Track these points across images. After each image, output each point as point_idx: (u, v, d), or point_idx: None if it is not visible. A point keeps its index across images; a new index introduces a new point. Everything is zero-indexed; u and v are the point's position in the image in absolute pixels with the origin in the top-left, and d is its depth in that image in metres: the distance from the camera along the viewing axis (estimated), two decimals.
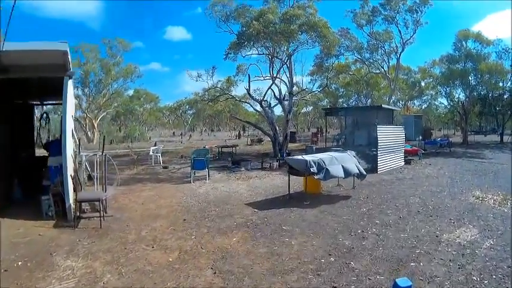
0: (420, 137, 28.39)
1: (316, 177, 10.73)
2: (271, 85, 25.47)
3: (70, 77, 9.21)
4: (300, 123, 78.84)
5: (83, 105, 46.85)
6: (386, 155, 18.11)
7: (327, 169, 10.79)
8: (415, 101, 57.69)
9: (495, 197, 11.99)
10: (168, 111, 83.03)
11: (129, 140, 48.15)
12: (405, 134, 32.20)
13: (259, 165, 19.52)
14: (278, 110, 53.89)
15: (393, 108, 31.44)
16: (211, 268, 5.86)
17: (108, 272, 5.68)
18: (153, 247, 6.90)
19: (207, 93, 30.87)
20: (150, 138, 57.10)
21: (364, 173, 12.21)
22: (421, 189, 13.39)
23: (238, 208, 10.17)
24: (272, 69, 25.37)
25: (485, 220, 8.95)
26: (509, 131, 40.37)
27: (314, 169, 10.61)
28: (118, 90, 51.14)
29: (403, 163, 19.82)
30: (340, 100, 50.13)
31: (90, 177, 11.85)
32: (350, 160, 12.04)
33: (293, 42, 23.30)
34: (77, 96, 42.49)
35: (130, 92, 56.05)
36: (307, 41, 23.76)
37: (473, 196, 12.23)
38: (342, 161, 11.51)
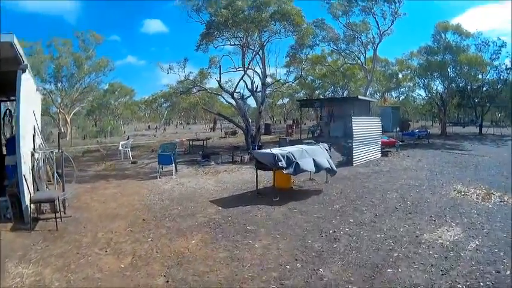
0: (397, 129, 27.53)
1: (285, 171, 10.06)
2: (243, 76, 24.34)
3: (23, 70, 8.49)
4: (277, 115, 77.98)
5: (57, 100, 45.78)
6: (362, 147, 17.31)
7: (296, 163, 10.11)
8: (393, 93, 57.44)
9: (478, 191, 11.12)
10: (143, 104, 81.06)
11: (102, 134, 46.52)
12: (382, 126, 31.65)
13: (230, 159, 18.90)
14: (254, 102, 52.88)
15: (370, 99, 30.71)
16: (164, 276, 5.35)
17: (57, 279, 5.23)
18: (106, 251, 6.40)
19: (181, 85, 29.30)
20: (124, 132, 55.65)
21: (335, 169, 11.62)
22: (399, 183, 12.63)
23: (202, 206, 9.56)
24: (244, 59, 24.04)
25: (469, 217, 8.24)
26: (487, 122, 39.91)
27: (283, 163, 9.92)
28: (91, 84, 49.61)
29: (380, 155, 19.08)
30: (317, 92, 49.28)
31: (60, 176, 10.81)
32: (322, 154, 11.37)
33: (265, 32, 22.41)
34: (50, 91, 43.20)
35: (105, 86, 56.22)
36: (280, 30, 22.88)
37: (455, 190, 11.36)
38: (313, 155, 10.86)
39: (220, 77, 24.77)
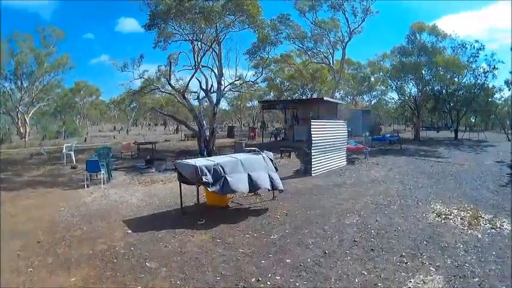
0: (367, 133, 25.01)
1: (210, 189, 8.21)
2: (194, 74, 22.51)
3: None
4: (245, 118, 75.42)
5: (16, 98, 43.31)
6: (323, 155, 14.99)
7: (225, 179, 8.24)
8: (365, 96, 55.62)
9: (462, 213, 8.72)
10: (112, 104, 77.86)
11: (62, 135, 43.79)
12: (351, 130, 29.26)
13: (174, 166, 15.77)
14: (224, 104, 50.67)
15: (337, 101, 28.21)
16: None
17: None
18: None
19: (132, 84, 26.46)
20: (87, 133, 51.99)
21: (280, 186, 9.52)
22: (363, 201, 10.10)
23: (112, 227, 7.99)
24: (196, 56, 22.33)
25: (454, 256, 6.09)
26: (462, 127, 38.10)
27: (208, 178, 8.09)
28: (51, 82, 47.36)
29: (346, 163, 16.85)
30: (286, 94, 46.72)
31: None
32: (262, 166, 9.35)
33: (217, 24, 19.92)
34: (11, 89, 41.86)
35: (71, 85, 54.83)
36: (234, 23, 20.46)
37: (433, 212, 8.91)
38: (249, 168, 8.90)
39: (170, 75, 22.89)
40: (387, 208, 9.25)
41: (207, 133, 22.25)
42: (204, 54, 22.64)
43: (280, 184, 9.38)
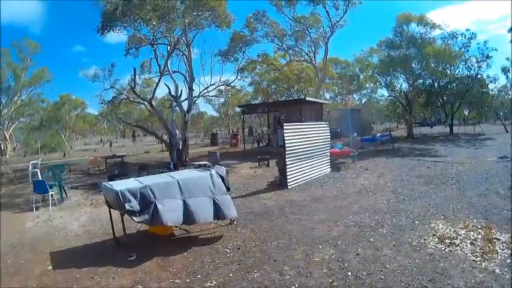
0: (355, 134, 22.83)
1: (137, 219, 6.62)
2: (159, 80, 20.93)
3: None
4: (234, 124, 73.17)
5: None
6: (301, 163, 12.88)
7: (156, 206, 6.65)
8: (355, 95, 53.59)
9: (471, 234, 6.66)
10: (100, 116, 76.02)
11: (43, 151, 40.84)
12: (340, 131, 27.23)
13: None
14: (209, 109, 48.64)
15: (321, 101, 26.07)
16: None
17: None
18: None
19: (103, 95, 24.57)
20: (71, 147, 50.57)
21: (231, 214, 7.75)
22: (343, 223, 7.94)
23: (36, 261, 6.74)
24: (158, 60, 20.43)
25: None
26: (456, 121, 36.07)
27: (133, 205, 6.55)
28: (30, 96, 46.06)
29: (329, 170, 14.69)
30: (274, 97, 44.48)
31: None
32: (205, 189, 7.52)
33: (177, 23, 17.89)
34: None
35: (56, 98, 53.97)
36: (198, 21, 18.43)
37: (434, 234, 6.81)
38: (188, 192, 7.21)
39: (134, 81, 20.85)
40: (374, 232, 7.07)
41: (180, 143, 20.42)
42: (168, 57, 20.74)
43: (230, 211, 7.59)
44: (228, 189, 7.98)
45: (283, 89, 42.37)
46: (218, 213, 7.27)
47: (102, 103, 25.39)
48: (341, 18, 27.82)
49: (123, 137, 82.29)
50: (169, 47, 20.22)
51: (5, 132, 42.48)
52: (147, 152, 30.54)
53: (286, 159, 12.14)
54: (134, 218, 6.51)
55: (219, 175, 7.88)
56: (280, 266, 5.76)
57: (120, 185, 6.73)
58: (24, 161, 26.29)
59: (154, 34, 18.66)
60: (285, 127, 12.32)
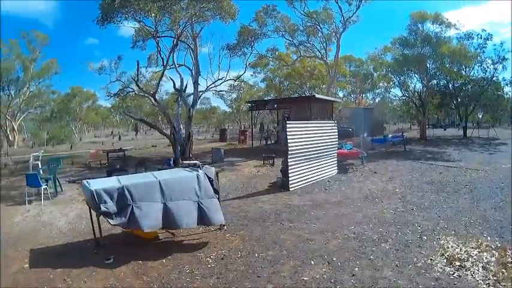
0: (365, 134, 21.99)
1: (113, 222, 6.08)
2: (163, 73, 20.11)
3: None
4: (247, 120, 72.48)
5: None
6: (304, 164, 12.17)
7: (133, 208, 6.14)
8: (368, 94, 52.47)
9: (484, 255, 5.93)
10: (113, 109, 76.41)
11: (51, 142, 40.54)
12: (352, 130, 26.41)
13: None
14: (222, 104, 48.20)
15: (332, 99, 25.13)
16: None
17: None
18: None
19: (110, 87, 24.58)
20: (80, 139, 50.44)
21: (218, 219, 7.07)
22: (342, 234, 7.23)
23: (15, 258, 6.44)
24: (160, 52, 19.64)
25: None
26: (470, 124, 34.91)
27: (109, 206, 6.06)
28: (39, 88, 46.08)
29: (336, 171, 14.00)
30: (286, 93, 43.66)
31: None
32: (190, 192, 6.87)
33: (180, 15, 17.11)
34: None
35: (66, 90, 53.96)
36: (202, 13, 17.76)
37: (443, 254, 6.06)
38: (170, 194, 6.62)
39: (138, 74, 19.89)
40: (375, 248, 6.36)
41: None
42: (172, 50, 20.18)
43: (216, 217, 6.91)
44: (216, 192, 7.30)
45: (295, 86, 41.51)
46: (203, 218, 6.67)
47: (108, 96, 25.34)
48: (353, 13, 26.89)
49: (135, 130, 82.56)
50: (174, 39, 19.63)
51: (13, 123, 42.43)
52: (154, 146, 30.08)
53: (289, 160, 11.46)
54: (110, 220, 6.01)
55: (207, 177, 7.23)
56: (263, 284, 5.13)
57: (97, 184, 6.28)
58: (31, 152, 26.08)
59: (157, 26, 18.07)
60: (288, 125, 11.60)
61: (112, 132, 73.00)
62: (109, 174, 14.08)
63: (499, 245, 6.31)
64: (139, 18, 17.48)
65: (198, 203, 6.68)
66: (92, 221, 6.93)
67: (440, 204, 9.18)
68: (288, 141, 11.42)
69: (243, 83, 48.27)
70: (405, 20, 46.86)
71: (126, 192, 6.12)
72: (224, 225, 7.59)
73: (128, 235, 7.36)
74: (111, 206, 6.00)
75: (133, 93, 23.98)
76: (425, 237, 6.78)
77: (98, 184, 6.26)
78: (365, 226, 7.58)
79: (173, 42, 19.86)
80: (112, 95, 24.69)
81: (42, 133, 48.64)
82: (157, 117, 54.90)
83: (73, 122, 62.71)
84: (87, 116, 68.31)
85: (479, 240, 6.53)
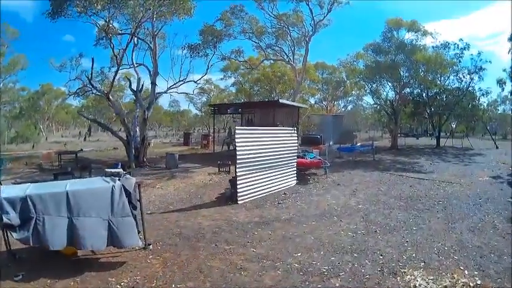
0: (331, 142, 20.68)
1: (16, 236, 5.20)
2: (117, 72, 19.17)
3: None
4: (220, 123, 71.30)
5: None
6: (256, 174, 10.76)
7: (37, 222, 5.20)
8: (340, 102, 51.56)
9: None
10: (83, 108, 74.34)
11: (16, 141, 38.73)
12: (320, 137, 25.19)
13: None
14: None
15: (298, 104, 23.63)
16: None
17: None
18: None
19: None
20: (46, 139, 48.19)
21: (132, 241, 5.86)
22: (283, 265, 5.74)
23: None
24: (113, 49, 18.48)
25: None
26: (443, 133, 34.21)
27: (12, 217, 5.14)
28: (5, 84, 44.83)
29: (295, 183, 12.61)
30: (256, 98, 42.19)
31: None
32: (99, 208, 5.68)
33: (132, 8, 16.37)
34: None
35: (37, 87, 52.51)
36: (158, 9, 17.14)
37: None
38: (78, 209, 5.50)
39: (92, 72, 18.62)
40: (322, 285, 4.93)
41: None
42: (126, 47, 19.24)
43: (129, 239, 5.77)
44: (134, 208, 6.00)
45: (265, 91, 40.15)
46: (113, 240, 5.60)
47: (69, 94, 24.17)
48: (324, 17, 25.39)
49: (88, 131, 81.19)
50: (130, 37, 18.70)
51: None
52: (115, 149, 28.54)
53: (237, 170, 9.94)
54: (13, 233, 5.19)
55: (125, 189, 5.83)
56: None
57: (6, 191, 5.40)
58: None
59: (109, 21, 17.09)
60: (237, 131, 10.14)
61: (80, 132, 71.28)
62: (55, 177, 13.28)
63: (478, 282, 4.91)
64: (89, 12, 16.29)
65: (108, 222, 5.61)
66: (3, 233, 5.73)
67: (409, 225, 7.73)
68: (237, 148, 9.90)
69: (212, 86, 46.93)
70: (380, 27, 46.38)
71: (30, 202, 5.21)
72: (150, 244, 6.50)
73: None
74: (14, 218, 5.13)
75: (92, 92, 22.63)
76: (386, 271, 5.33)
77: (4, 192, 5.31)
78: (315, 253, 6.07)
79: (128, 39, 18.76)
80: (71, 93, 23.78)
81: (9, 131, 47.00)
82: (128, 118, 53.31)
83: (41, 120, 60.58)
84: (56, 115, 66.79)
85: (455, 275, 5.14)
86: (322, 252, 6.11)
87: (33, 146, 31.37)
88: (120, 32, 19.16)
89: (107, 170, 7.16)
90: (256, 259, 5.87)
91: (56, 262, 5.73)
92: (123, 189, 5.84)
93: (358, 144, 24.23)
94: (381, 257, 5.84)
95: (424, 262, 5.62)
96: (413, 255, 5.93)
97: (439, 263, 5.61)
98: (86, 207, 5.52)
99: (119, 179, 6.11)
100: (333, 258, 5.85)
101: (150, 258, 5.97)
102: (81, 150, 21.07)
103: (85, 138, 50.77)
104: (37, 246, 5.79)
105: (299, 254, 6.04)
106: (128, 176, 6.45)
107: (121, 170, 6.91)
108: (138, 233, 5.99)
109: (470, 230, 7.27)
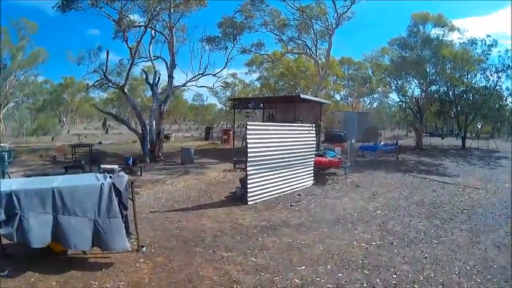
0: (353, 140, 19.95)
1: (1, 231, 5.02)
2: (131, 65, 19.28)
3: None
4: (242, 118, 71.24)
5: None
6: (268, 173, 10.22)
7: (21, 219, 5.01)
8: (366, 98, 50.48)
9: None
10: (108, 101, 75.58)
11: (37, 132, 39.98)
12: (343, 135, 24.52)
13: None
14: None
15: (320, 100, 22.93)
16: None
17: None
18: None
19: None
20: (68, 131, 48.26)
21: (122, 245, 5.45)
22: (284, 279, 5.17)
23: None
24: (127, 42, 18.56)
25: None
26: (469, 134, 33.05)
27: None
28: (26, 77, 45.24)
29: (311, 183, 12.15)
30: (281, 93, 41.47)
31: None
32: (86, 207, 5.35)
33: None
34: None
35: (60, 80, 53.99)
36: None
37: None
38: (63, 206, 5.23)
39: (106, 65, 18.41)
40: None
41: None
42: (140, 40, 19.53)
43: (116, 242, 5.42)
44: (125, 208, 5.66)
45: (289, 86, 39.41)
46: (99, 242, 5.37)
47: (87, 87, 24.22)
48: (348, 9, 24.58)
49: (103, 125, 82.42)
50: (145, 28, 18.88)
51: None
52: (135, 142, 28.37)
53: (248, 168, 9.45)
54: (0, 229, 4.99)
55: (115, 188, 5.50)
56: None
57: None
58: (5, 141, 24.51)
59: (121, 13, 17.12)
60: (248, 127, 9.59)
61: (103, 124, 72.09)
62: (66, 170, 13.32)
63: None
64: (100, 3, 16.29)
65: (94, 222, 5.35)
66: None
67: (430, 236, 7.08)
68: (248, 145, 9.38)
69: (237, 81, 46.40)
70: (405, 22, 45.00)
71: (15, 198, 5.03)
72: (143, 247, 6.16)
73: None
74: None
75: (108, 85, 22.51)
76: None
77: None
78: (321, 267, 5.52)
79: (143, 31, 18.84)
80: (90, 86, 23.99)
81: (32, 123, 48.82)
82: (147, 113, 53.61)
83: (65, 113, 62.04)
84: (80, 108, 67.43)
85: None
86: (329, 267, 5.54)
87: (52, 138, 31.58)
88: (134, 24, 18.92)
89: (102, 166, 6.80)
90: (253, 271, 5.37)
91: (44, 259, 5.55)
92: (112, 188, 5.50)
93: (382, 143, 23.43)
94: (395, 276, 5.23)
95: (443, 285, 5.00)
96: (432, 275, 5.30)
97: (459, 286, 4.99)
98: (71, 205, 5.27)
99: (110, 177, 5.71)
100: (340, 274, 5.28)
101: (140, 262, 5.65)
102: (100, 143, 20.92)
103: (107, 131, 50.89)
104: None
105: (303, 268, 5.49)
106: (120, 173, 6.06)
107: (116, 166, 6.51)
108: (129, 235, 5.69)
109: (496, 246, 6.58)
